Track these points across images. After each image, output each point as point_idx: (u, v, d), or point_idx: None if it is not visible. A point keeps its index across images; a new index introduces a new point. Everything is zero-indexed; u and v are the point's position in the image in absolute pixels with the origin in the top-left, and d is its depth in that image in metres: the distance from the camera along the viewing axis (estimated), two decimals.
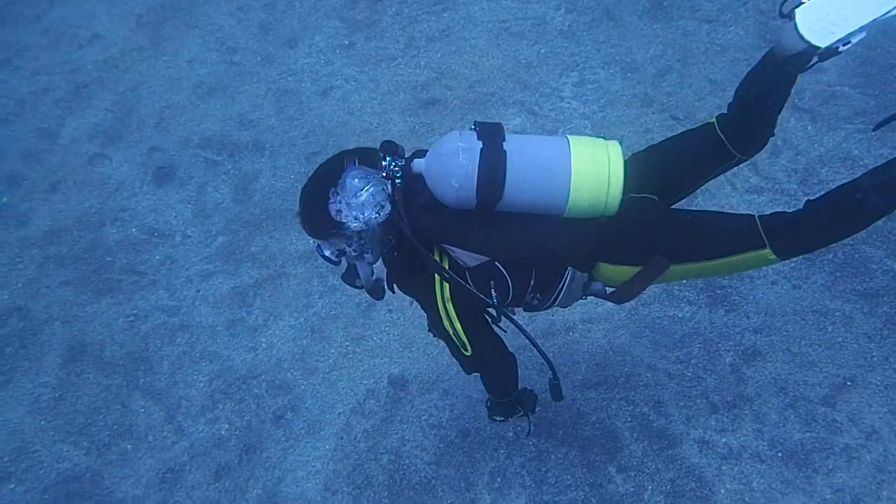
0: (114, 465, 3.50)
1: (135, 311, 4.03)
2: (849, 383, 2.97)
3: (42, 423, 3.66)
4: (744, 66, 4.07)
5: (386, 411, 3.39)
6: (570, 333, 3.42)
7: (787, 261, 2.39)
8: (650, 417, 3.09)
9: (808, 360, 3.08)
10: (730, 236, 2.30)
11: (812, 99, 3.91)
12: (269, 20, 5.50)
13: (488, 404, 2.83)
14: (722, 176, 2.46)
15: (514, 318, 2.38)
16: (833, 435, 2.87)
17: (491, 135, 2.13)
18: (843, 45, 2.11)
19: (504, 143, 2.11)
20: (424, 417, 3.34)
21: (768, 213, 2.33)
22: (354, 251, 2.27)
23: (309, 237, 2.33)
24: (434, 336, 2.48)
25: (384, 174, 2.16)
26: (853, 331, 3.11)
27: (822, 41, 2.09)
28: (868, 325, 3.11)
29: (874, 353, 3.03)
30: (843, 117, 3.79)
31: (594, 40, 4.63)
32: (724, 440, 2.95)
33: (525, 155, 2.12)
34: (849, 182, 2.25)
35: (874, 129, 2.40)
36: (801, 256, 2.41)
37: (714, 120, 2.36)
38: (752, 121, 2.33)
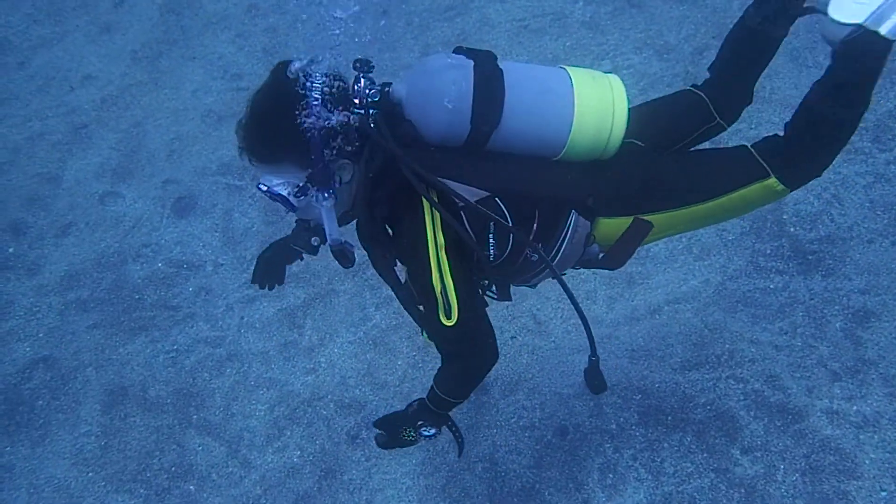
0: None
1: (175, 347, 3.73)
2: None
3: (90, 474, 3.32)
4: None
5: (470, 418, 3.11)
6: (657, 316, 3.21)
7: (797, 190, 2.14)
8: (765, 393, 2.86)
9: None
10: (729, 169, 2.13)
11: None
12: (272, 44, 5.31)
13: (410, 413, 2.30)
14: None
15: (553, 267, 2.01)
16: None
17: (483, 55, 1.89)
18: None
19: (499, 63, 1.88)
20: (514, 420, 3.08)
21: (759, 140, 2.16)
22: (321, 174, 1.82)
23: (255, 166, 1.85)
24: (405, 307, 2.10)
25: (356, 100, 1.81)
26: None
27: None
28: None
29: None
30: None
31: (620, 28, 4.51)
32: (854, 408, 2.73)
33: (523, 75, 1.88)
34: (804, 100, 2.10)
35: None
36: (808, 181, 2.13)
37: (691, 87, 2.30)
38: (730, 75, 2.25)
